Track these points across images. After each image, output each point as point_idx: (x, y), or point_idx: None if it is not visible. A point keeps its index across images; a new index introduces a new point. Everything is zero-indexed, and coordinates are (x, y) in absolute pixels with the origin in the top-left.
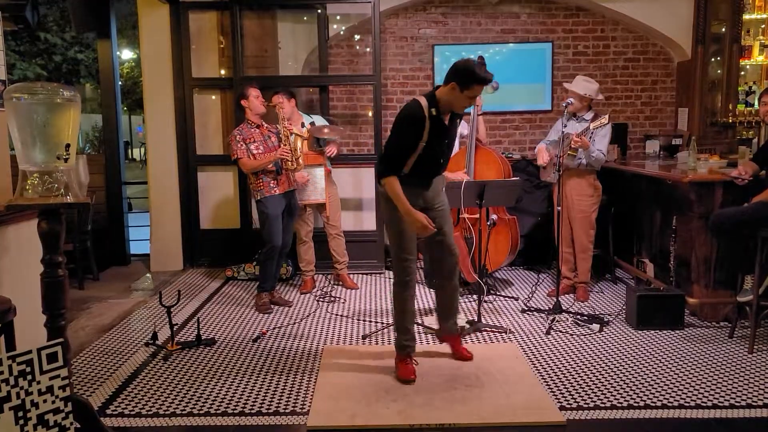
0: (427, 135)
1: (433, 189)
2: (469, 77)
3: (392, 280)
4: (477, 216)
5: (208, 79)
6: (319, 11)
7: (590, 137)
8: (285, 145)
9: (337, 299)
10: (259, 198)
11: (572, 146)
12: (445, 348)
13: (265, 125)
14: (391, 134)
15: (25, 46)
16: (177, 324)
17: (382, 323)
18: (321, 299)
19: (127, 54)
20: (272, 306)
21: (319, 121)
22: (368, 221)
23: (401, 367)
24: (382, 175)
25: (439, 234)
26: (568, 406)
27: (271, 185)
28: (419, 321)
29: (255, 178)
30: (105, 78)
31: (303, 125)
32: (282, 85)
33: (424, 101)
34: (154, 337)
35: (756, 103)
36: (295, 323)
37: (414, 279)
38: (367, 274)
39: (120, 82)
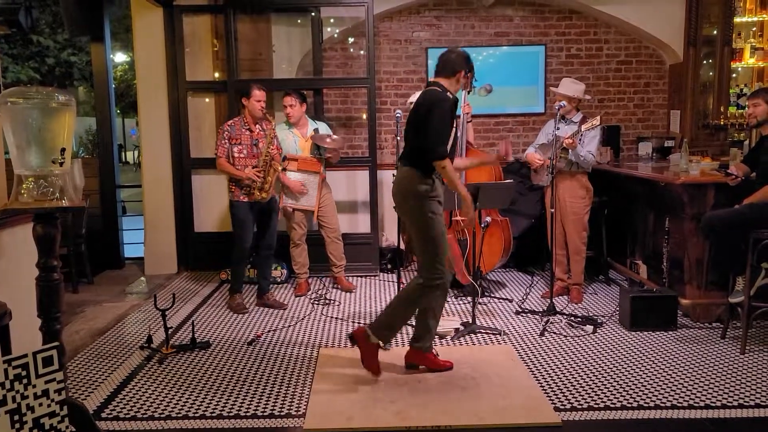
0: (453, 120)
1: None
2: (469, 62)
3: (423, 283)
4: None
5: (203, 82)
6: (313, 14)
7: (580, 139)
8: (260, 168)
9: (332, 302)
10: (230, 199)
11: (564, 145)
12: (442, 351)
13: (258, 129)
14: (429, 121)
15: (18, 49)
16: (172, 327)
17: None
18: (316, 302)
19: (120, 57)
20: (247, 306)
21: (323, 129)
22: (363, 224)
23: (435, 360)
24: (440, 156)
25: None
26: (562, 407)
27: (242, 192)
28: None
29: (230, 180)
30: (99, 81)
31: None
32: (275, 88)
33: (440, 89)
34: (149, 340)
35: (747, 104)
36: (290, 326)
37: (446, 281)
38: (361, 276)
39: (114, 85)
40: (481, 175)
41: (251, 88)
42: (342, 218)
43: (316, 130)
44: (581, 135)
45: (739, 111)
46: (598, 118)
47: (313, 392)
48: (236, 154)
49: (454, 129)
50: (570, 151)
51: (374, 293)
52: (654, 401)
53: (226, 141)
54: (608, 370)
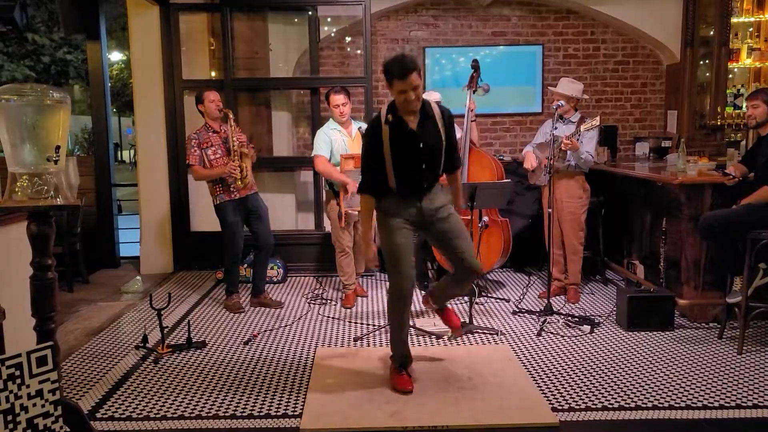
0: (388, 142)
1: (430, 199)
2: (386, 73)
3: (388, 295)
4: (469, 218)
5: (199, 81)
6: (310, 13)
7: (578, 139)
8: (234, 160)
9: (329, 301)
10: (217, 203)
11: (562, 149)
12: (439, 351)
13: (224, 129)
14: None
15: (14, 47)
16: (167, 327)
17: (374, 325)
18: (312, 301)
19: (116, 56)
20: (243, 306)
21: (364, 127)
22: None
23: (398, 378)
24: (358, 190)
25: (451, 245)
26: (560, 407)
27: (231, 189)
28: (411, 323)
29: (212, 183)
30: (94, 80)
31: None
32: (272, 87)
33: (383, 109)
34: (145, 340)
35: (744, 105)
36: (286, 326)
37: (411, 292)
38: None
39: (110, 84)
40: (483, 174)
41: (201, 92)
42: None
43: (360, 129)
44: (579, 135)
45: (736, 111)
46: (598, 118)
47: (309, 392)
48: (212, 156)
49: (405, 152)
50: (570, 152)
51: (370, 293)
52: (651, 401)
53: (196, 148)
54: (605, 371)
